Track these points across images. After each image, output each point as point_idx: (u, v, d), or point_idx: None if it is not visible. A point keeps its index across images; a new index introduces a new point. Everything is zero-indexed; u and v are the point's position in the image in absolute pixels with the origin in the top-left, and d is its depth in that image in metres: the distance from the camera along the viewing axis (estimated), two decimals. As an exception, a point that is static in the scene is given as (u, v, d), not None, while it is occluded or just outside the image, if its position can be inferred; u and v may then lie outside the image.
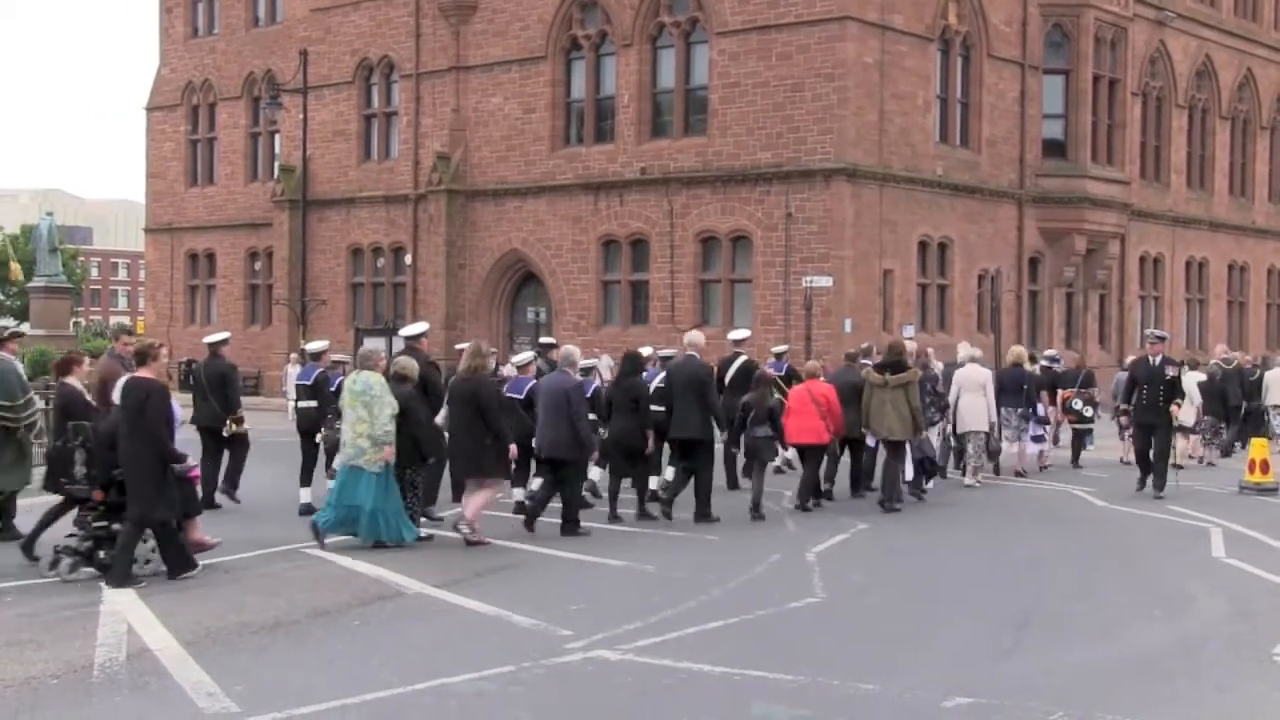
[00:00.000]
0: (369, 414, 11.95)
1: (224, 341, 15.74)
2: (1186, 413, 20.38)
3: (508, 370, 16.29)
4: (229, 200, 43.46)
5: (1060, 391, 20.50)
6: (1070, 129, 35.88)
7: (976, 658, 8.34)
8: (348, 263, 39.54)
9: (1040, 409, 19.46)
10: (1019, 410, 18.97)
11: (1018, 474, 19.07)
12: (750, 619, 9.33)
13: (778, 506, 15.35)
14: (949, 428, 18.04)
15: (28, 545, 11.51)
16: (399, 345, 16.96)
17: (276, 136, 42.08)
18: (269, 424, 25.39)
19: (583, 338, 32.62)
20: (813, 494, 15.27)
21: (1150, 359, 17.01)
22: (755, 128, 31.59)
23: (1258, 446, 17.84)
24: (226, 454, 15.24)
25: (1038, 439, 19.56)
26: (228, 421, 14.91)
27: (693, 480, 14.19)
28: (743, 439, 15.07)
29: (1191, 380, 21.41)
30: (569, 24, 35.06)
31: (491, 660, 7.99)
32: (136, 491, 10.37)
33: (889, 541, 13.28)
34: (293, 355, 34.08)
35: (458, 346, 18.02)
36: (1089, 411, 20.68)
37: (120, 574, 10.25)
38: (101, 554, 10.60)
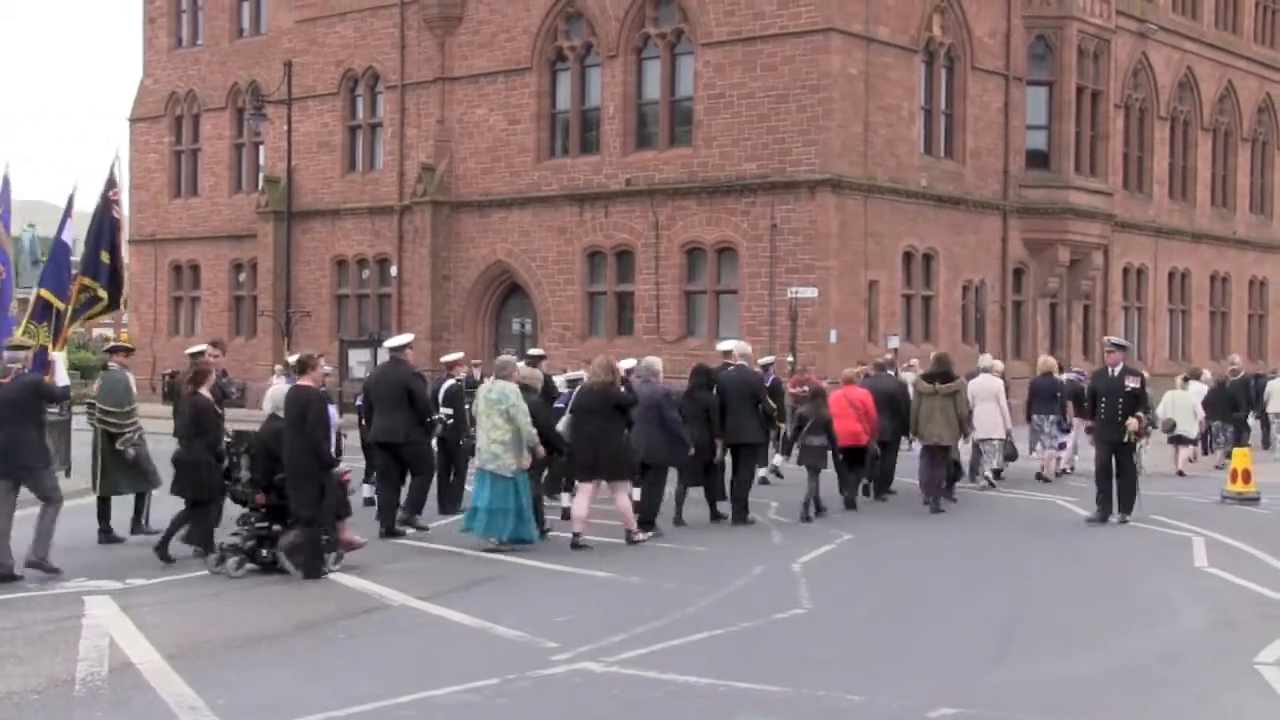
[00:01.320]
0: (505, 421, 12.63)
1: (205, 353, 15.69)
2: (1188, 423, 21.38)
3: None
4: (213, 212, 43.33)
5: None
6: (1054, 140, 35.99)
7: (962, 668, 8.36)
8: (332, 274, 39.44)
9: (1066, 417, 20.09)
10: (1051, 418, 19.77)
11: (1043, 478, 19.64)
12: (736, 630, 9.33)
13: (763, 517, 15.36)
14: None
15: (162, 547, 12.04)
16: (384, 356, 16.99)
17: (261, 148, 41.98)
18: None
19: (568, 349, 32.62)
20: (854, 496, 16.48)
21: (1110, 369, 15.48)
22: (740, 139, 31.64)
23: (1239, 456, 17.95)
24: None
25: (1062, 445, 20.26)
26: None
27: (732, 483, 15.12)
28: (795, 447, 16.29)
29: (1195, 392, 22.29)
30: (554, 35, 35.08)
31: (477, 672, 7.98)
32: (302, 494, 11.13)
33: (874, 552, 13.30)
34: (277, 367, 33.95)
35: (444, 359, 17.98)
36: None
37: (314, 570, 11.04)
38: (264, 552, 11.38)
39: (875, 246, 31.66)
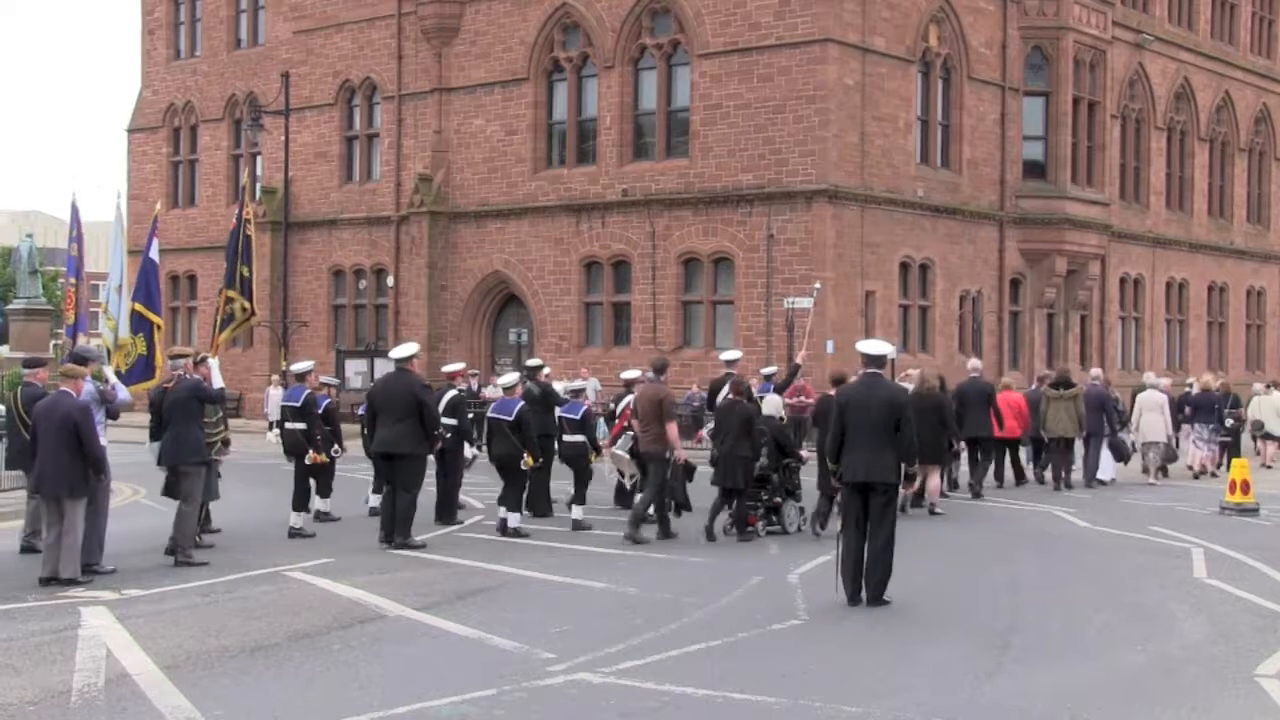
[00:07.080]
0: None
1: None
2: (1274, 423, 24.81)
3: (491, 391, 16.35)
4: (211, 222, 43.28)
5: None
6: (1050, 150, 36.07)
7: (958, 680, 8.33)
8: (329, 284, 39.48)
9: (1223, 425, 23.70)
10: (1210, 426, 23.27)
11: (1195, 473, 22.90)
12: (733, 641, 9.31)
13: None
14: (1133, 438, 22.17)
15: (710, 529, 14.24)
16: (386, 367, 16.99)
17: (258, 158, 41.99)
18: (248, 446, 25.32)
19: (564, 359, 32.63)
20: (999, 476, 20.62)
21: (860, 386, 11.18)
22: (737, 149, 31.69)
23: (1238, 467, 17.92)
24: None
25: (1212, 448, 23.69)
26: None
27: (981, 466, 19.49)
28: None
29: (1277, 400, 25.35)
30: (551, 46, 35.14)
31: (473, 683, 7.96)
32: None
33: (871, 562, 13.25)
34: (274, 377, 33.94)
35: (445, 369, 17.96)
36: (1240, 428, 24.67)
37: (824, 525, 14.42)
38: (773, 517, 14.83)
39: (872, 257, 31.69)
